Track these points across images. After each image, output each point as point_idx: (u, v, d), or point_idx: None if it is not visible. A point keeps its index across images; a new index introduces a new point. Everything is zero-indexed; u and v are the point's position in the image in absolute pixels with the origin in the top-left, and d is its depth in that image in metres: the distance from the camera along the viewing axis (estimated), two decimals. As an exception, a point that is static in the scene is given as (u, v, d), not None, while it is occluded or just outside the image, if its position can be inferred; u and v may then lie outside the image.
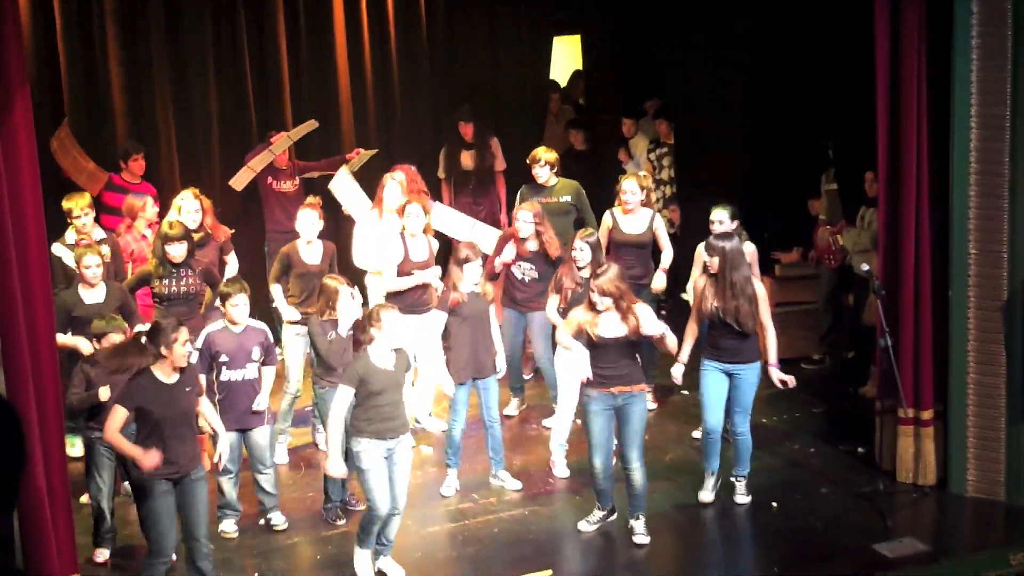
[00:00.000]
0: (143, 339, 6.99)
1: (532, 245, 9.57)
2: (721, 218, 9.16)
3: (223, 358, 8.01)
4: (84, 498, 8.15)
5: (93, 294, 8.57)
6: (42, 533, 6.61)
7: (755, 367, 8.24)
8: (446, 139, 12.50)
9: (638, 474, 7.80)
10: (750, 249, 9.34)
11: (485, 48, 13.36)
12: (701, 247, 9.33)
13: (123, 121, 11.38)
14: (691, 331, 8.33)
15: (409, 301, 9.39)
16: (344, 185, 10.80)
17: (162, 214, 9.90)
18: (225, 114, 11.97)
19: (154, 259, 8.91)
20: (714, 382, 8.22)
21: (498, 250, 9.77)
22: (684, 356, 8.25)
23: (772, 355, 8.23)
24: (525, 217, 9.52)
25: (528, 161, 10.40)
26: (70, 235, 9.30)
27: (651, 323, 7.64)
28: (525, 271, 9.68)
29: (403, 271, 9.45)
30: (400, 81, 12.85)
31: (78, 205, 9.30)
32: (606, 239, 9.83)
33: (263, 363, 8.13)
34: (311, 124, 11.42)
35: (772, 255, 11.44)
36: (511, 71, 13.49)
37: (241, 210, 11.55)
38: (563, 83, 14.34)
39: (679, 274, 10.42)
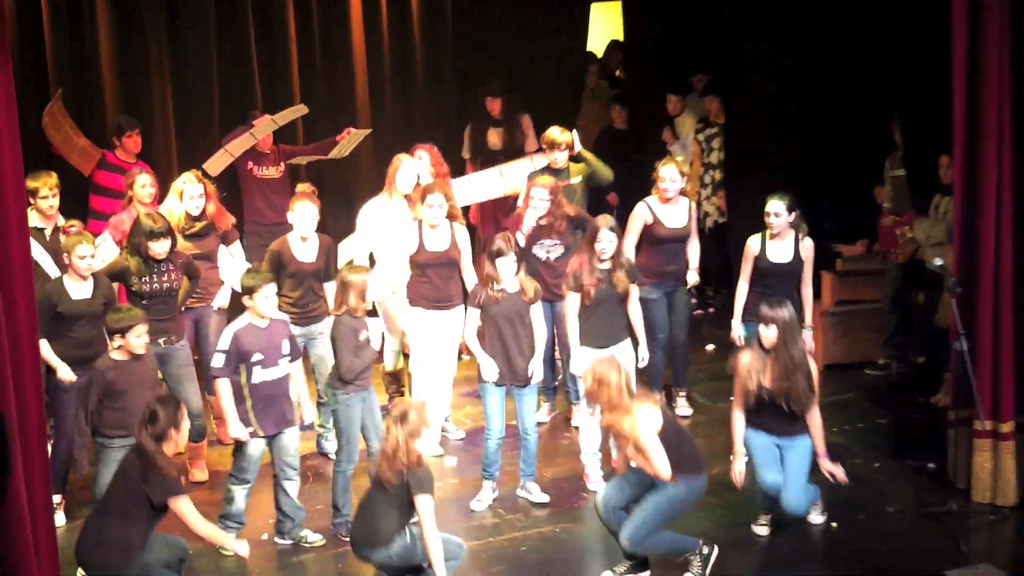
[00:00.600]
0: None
1: (546, 221, 9.57)
2: (778, 210, 9.10)
3: (255, 357, 8.02)
4: None
5: (81, 288, 8.51)
6: (23, 550, 6.59)
7: (807, 439, 8.14)
8: (471, 116, 12.46)
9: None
10: (807, 245, 9.26)
11: (515, 16, 13.29)
12: (751, 241, 9.28)
13: (113, 94, 11.37)
14: (737, 421, 8.17)
15: (430, 295, 9.35)
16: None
17: (160, 198, 9.86)
18: (227, 88, 11.98)
19: (133, 255, 8.71)
20: (762, 445, 8.11)
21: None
22: (739, 447, 8.13)
23: (820, 444, 8.11)
24: (541, 195, 9.47)
25: (543, 144, 10.38)
26: (30, 217, 8.99)
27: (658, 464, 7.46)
28: (549, 249, 9.64)
29: (417, 261, 9.39)
30: (421, 51, 12.84)
31: (46, 184, 9.20)
32: (638, 234, 9.77)
33: (291, 358, 8.17)
34: (300, 109, 11.25)
35: (833, 248, 11.36)
36: (544, 41, 13.45)
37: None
38: (599, 55, 14.27)
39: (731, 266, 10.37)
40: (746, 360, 8.07)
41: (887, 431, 9.93)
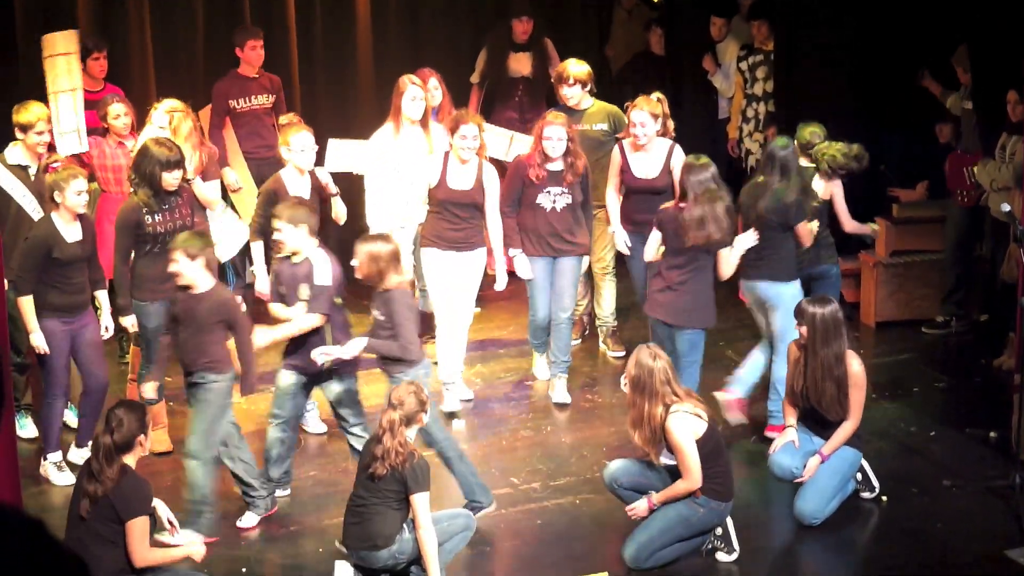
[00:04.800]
0: None
1: (556, 165, 9.54)
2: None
3: (281, 290, 8.29)
4: None
5: (74, 229, 8.48)
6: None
7: (844, 449, 8.19)
8: (489, 39, 12.41)
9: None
10: (819, 188, 9.21)
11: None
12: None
13: (87, 12, 11.37)
14: (788, 412, 8.37)
15: (447, 235, 9.42)
16: (339, 153, 10.61)
17: (136, 129, 9.89)
18: (214, 5, 11.96)
19: (141, 188, 8.57)
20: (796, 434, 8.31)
21: (509, 188, 9.66)
22: (790, 434, 8.30)
23: (830, 445, 8.14)
24: (557, 133, 9.44)
25: (553, 79, 10.40)
26: (13, 153, 9.13)
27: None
28: (556, 198, 9.57)
29: (436, 197, 9.41)
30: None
31: (40, 118, 9.10)
32: (616, 178, 9.90)
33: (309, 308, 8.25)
34: None
35: (889, 192, 11.34)
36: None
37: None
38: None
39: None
40: (794, 354, 8.23)
41: (945, 397, 9.98)
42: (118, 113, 9.78)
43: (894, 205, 11.33)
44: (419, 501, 7.19)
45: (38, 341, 8.44)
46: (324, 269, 8.15)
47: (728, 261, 8.79)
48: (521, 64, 12.25)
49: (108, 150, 9.79)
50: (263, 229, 9.00)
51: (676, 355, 8.61)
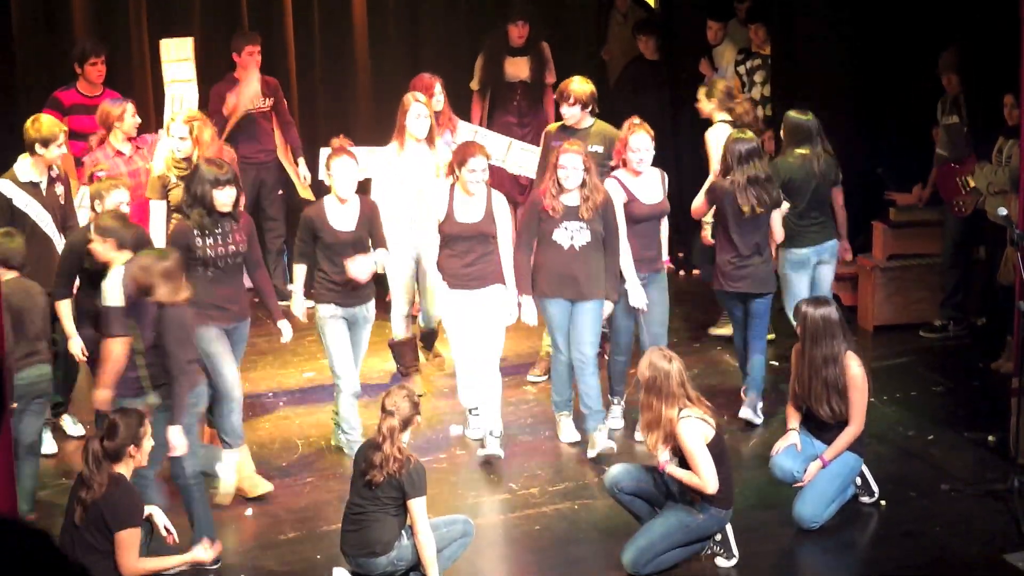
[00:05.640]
0: None
1: (572, 199, 8.90)
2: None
3: None
4: None
5: None
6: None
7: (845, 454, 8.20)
8: (486, 44, 12.43)
9: None
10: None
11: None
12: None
13: (85, 16, 11.39)
14: (791, 415, 8.37)
15: (458, 272, 9.03)
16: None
17: (142, 128, 9.87)
18: (212, 6, 12.01)
19: (192, 208, 8.27)
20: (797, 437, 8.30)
21: (525, 225, 9.13)
22: (792, 437, 8.27)
23: (832, 450, 8.14)
24: (572, 162, 8.80)
25: (555, 96, 10.04)
26: (24, 169, 9.00)
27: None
28: (574, 234, 8.94)
29: (445, 232, 8.99)
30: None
31: (60, 130, 8.98)
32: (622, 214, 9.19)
33: None
34: None
35: (886, 195, 11.35)
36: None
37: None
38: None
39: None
40: (797, 357, 8.25)
41: (943, 400, 9.98)
42: (132, 111, 9.74)
43: (891, 209, 11.34)
44: (417, 506, 7.22)
45: (75, 347, 8.44)
46: (114, 288, 7.77)
47: (779, 222, 9.30)
48: (518, 68, 12.24)
49: (104, 159, 9.64)
50: (304, 253, 8.90)
51: (751, 320, 9.34)
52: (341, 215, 8.85)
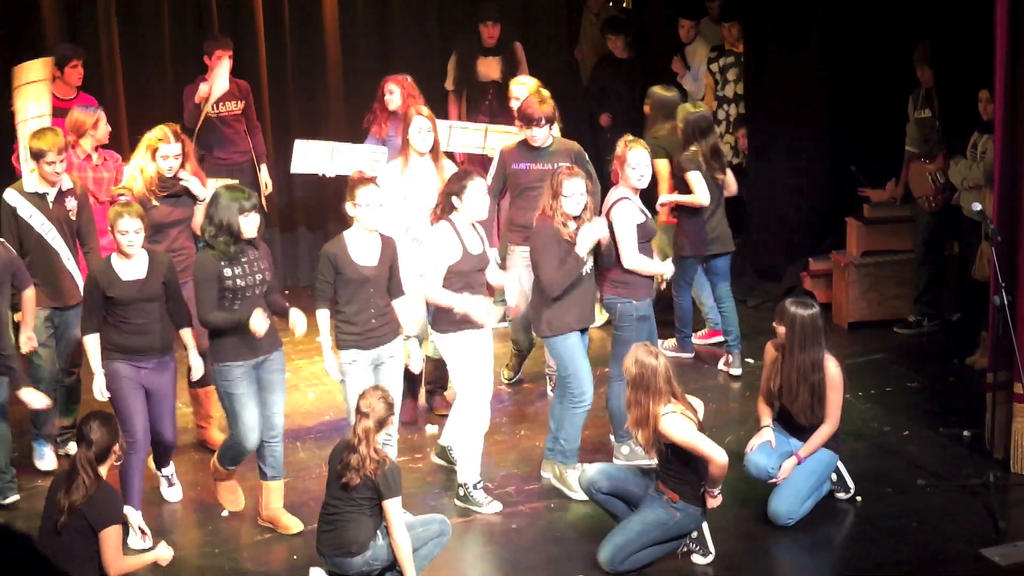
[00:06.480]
0: None
1: (571, 226, 8.41)
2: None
3: None
4: None
5: (131, 267, 8.08)
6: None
7: (820, 451, 8.23)
8: (458, 44, 12.44)
9: None
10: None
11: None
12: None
13: (53, 17, 11.35)
14: (763, 412, 8.41)
15: (450, 316, 8.36)
16: (306, 154, 10.41)
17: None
18: (181, 9, 11.96)
19: (218, 237, 7.90)
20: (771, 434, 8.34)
21: (556, 253, 8.37)
22: (767, 435, 8.30)
23: (807, 447, 8.17)
24: (578, 188, 8.30)
25: (518, 117, 9.64)
26: (30, 182, 8.88)
27: None
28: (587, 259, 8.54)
29: (459, 272, 8.32)
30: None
31: (53, 145, 8.80)
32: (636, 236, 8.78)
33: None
34: None
35: (860, 192, 11.37)
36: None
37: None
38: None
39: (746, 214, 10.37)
40: (771, 354, 8.26)
41: (918, 396, 10.00)
42: (104, 119, 9.68)
43: (865, 205, 11.36)
44: (392, 507, 7.21)
45: (97, 386, 8.07)
46: None
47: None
48: (490, 68, 12.25)
49: (76, 161, 9.53)
50: (326, 296, 8.22)
51: (717, 281, 10.36)
52: (364, 250, 8.20)
